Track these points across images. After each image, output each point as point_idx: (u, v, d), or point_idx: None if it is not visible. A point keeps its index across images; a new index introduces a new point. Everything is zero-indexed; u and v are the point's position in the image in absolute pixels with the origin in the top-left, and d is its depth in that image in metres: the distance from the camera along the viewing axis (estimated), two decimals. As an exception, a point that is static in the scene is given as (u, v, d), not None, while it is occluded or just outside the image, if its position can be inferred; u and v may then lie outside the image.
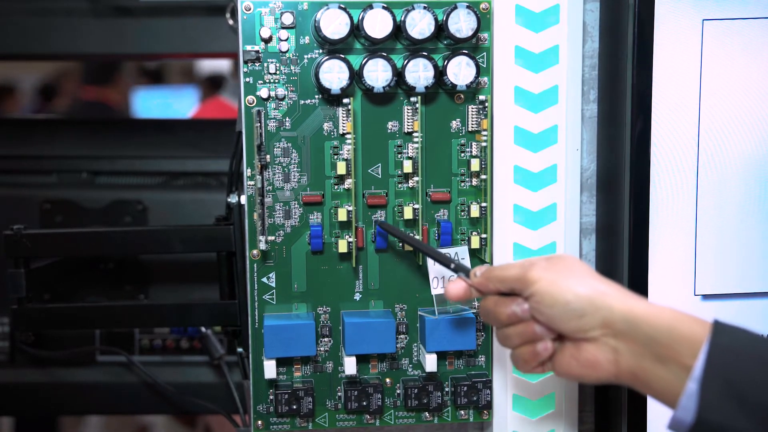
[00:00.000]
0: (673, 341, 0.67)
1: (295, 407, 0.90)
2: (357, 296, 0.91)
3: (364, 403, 0.91)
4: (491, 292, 0.78)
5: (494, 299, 0.77)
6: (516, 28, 0.89)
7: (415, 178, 0.89)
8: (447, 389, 0.93)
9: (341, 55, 0.86)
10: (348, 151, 0.87)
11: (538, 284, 0.73)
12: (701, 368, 0.65)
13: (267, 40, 0.87)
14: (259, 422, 0.92)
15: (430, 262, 0.89)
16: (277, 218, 0.89)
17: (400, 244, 0.90)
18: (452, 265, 0.82)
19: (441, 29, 0.86)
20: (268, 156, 0.88)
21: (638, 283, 0.90)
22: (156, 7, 1.36)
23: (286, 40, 0.87)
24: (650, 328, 0.68)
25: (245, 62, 0.87)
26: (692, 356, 0.66)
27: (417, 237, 0.89)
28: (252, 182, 0.87)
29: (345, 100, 0.86)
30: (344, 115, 0.87)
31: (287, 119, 0.88)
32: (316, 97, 0.88)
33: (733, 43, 0.89)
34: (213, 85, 4.26)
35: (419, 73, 0.86)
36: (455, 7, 0.85)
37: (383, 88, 0.86)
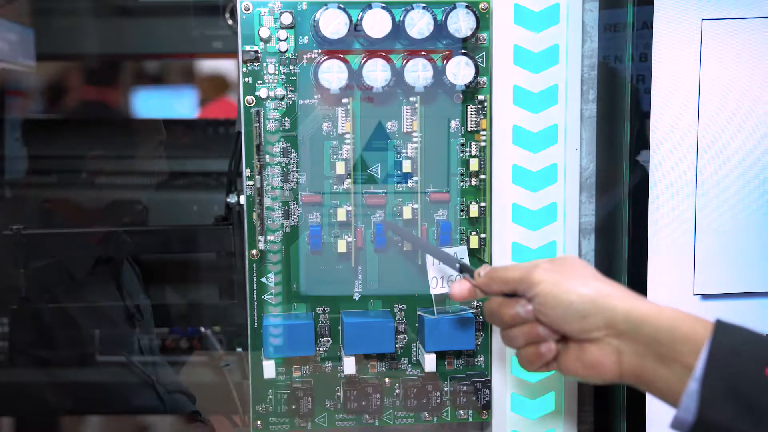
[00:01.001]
0: (674, 341, 0.67)
1: (294, 407, 0.90)
2: (356, 296, 0.91)
3: (363, 403, 0.91)
4: (494, 292, 0.78)
5: (498, 300, 0.77)
6: (515, 27, 0.89)
7: (414, 178, 0.89)
8: (446, 389, 0.93)
9: (340, 55, 0.86)
10: (347, 151, 0.87)
11: (541, 285, 0.73)
12: (702, 368, 0.65)
13: (266, 40, 0.87)
14: (259, 422, 0.92)
15: (429, 261, 0.89)
16: (277, 218, 0.89)
17: (400, 243, 0.90)
18: (457, 266, 0.82)
19: (440, 29, 0.86)
20: (267, 156, 0.88)
21: (637, 283, 0.90)
22: (156, 7, 1.36)
23: (285, 39, 0.87)
24: (652, 329, 0.68)
25: (244, 62, 0.87)
26: (693, 356, 0.66)
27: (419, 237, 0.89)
28: (251, 182, 0.87)
29: (344, 100, 0.86)
30: (343, 115, 0.87)
31: (286, 119, 0.88)
32: (315, 96, 0.88)
33: (732, 43, 0.89)
34: (216, 85, 4.26)
35: (418, 72, 0.86)
36: (454, 7, 0.85)
37: (382, 87, 0.86)
